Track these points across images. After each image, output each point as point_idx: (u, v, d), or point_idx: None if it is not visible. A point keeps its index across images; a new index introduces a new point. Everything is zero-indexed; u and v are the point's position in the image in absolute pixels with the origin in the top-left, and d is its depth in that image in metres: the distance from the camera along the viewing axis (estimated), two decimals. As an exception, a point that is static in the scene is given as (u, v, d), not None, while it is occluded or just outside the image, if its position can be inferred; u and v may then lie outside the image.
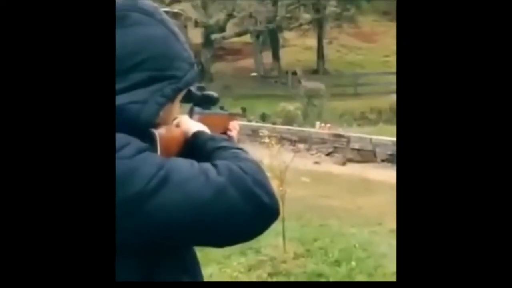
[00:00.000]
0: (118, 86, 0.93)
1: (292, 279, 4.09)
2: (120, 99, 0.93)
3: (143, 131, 0.97)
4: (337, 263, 4.33)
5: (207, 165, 0.94)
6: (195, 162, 0.95)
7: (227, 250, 4.10)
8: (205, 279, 1.14)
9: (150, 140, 0.98)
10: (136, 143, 0.91)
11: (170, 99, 1.01)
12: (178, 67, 1.01)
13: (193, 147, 1.08)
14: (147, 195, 0.87)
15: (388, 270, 4.18)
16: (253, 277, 4.11)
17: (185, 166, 0.93)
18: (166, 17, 1.04)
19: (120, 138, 0.90)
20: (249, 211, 0.92)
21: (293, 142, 10.51)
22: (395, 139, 8.80)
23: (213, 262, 4.15)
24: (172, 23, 1.05)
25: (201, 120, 1.20)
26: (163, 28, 1.01)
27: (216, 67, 23.52)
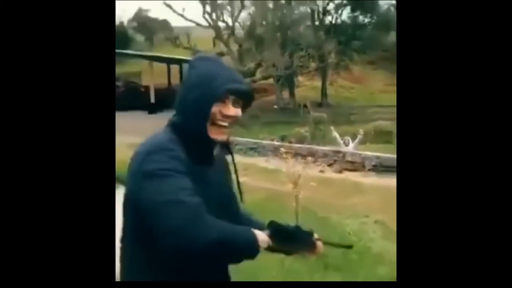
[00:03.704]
0: None
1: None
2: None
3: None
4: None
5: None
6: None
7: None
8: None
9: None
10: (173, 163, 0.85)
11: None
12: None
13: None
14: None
15: (374, 251, 4.15)
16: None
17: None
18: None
19: (164, 158, 0.83)
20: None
21: (303, 156, 10.46)
22: (378, 153, 8.77)
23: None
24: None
25: None
26: None
27: (248, 102, 23.45)
